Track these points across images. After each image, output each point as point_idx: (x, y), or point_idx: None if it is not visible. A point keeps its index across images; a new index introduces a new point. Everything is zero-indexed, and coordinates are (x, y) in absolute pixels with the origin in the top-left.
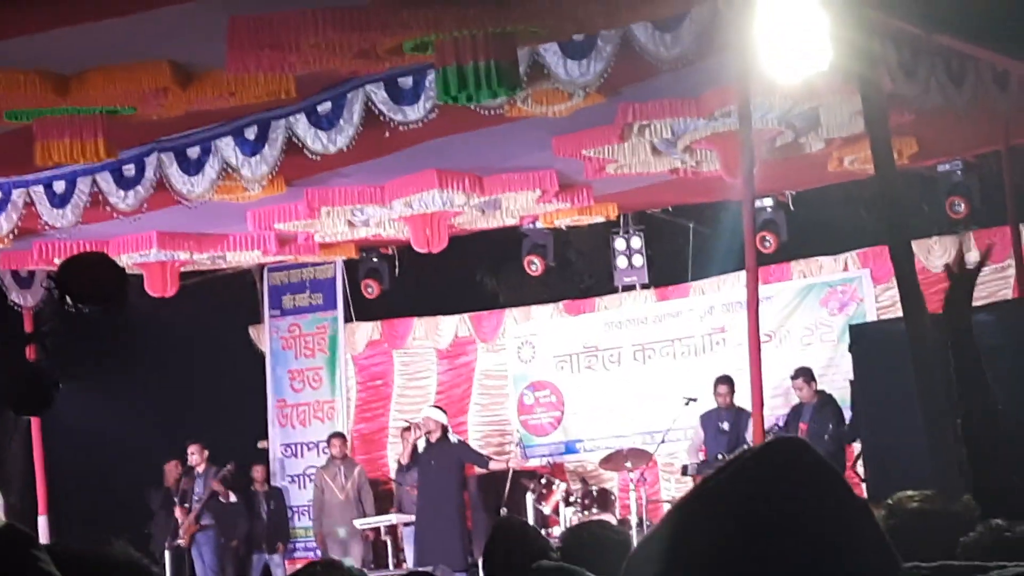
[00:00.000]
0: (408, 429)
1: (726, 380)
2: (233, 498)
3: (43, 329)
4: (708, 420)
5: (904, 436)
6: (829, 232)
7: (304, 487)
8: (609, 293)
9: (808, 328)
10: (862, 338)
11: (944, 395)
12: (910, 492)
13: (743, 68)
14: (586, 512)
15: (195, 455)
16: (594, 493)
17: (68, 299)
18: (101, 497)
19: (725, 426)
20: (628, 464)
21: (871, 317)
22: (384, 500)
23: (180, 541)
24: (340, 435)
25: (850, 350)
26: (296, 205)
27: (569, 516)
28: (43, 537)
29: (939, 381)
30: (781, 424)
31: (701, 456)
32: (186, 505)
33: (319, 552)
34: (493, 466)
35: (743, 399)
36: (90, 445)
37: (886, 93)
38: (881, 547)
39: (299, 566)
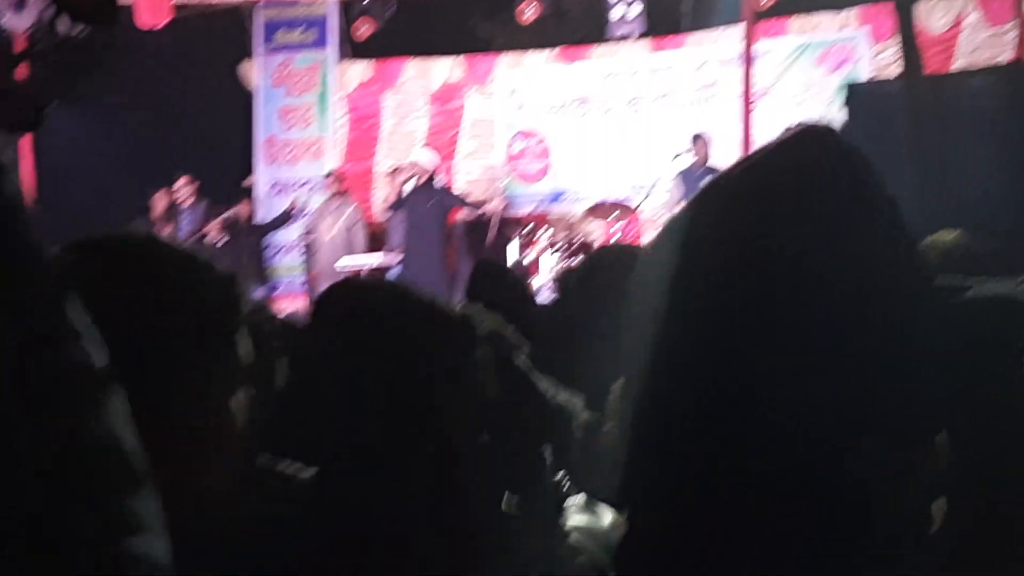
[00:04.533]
0: (395, 171)
1: (699, 137)
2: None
3: (36, 49)
4: (687, 177)
5: (895, 191)
6: None
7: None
8: (604, 42)
9: (802, 86)
10: (857, 96)
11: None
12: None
13: None
14: (568, 261)
15: (184, 187)
16: (577, 243)
17: (62, 16)
18: (87, 220)
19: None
20: (613, 215)
21: (865, 79)
22: (372, 241)
23: None
24: (334, 173)
25: (845, 106)
26: None
27: (551, 264)
28: None
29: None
30: None
31: None
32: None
33: (307, 287)
34: (476, 212)
35: (734, 155)
36: (80, 169)
37: None
38: (909, 248)
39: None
